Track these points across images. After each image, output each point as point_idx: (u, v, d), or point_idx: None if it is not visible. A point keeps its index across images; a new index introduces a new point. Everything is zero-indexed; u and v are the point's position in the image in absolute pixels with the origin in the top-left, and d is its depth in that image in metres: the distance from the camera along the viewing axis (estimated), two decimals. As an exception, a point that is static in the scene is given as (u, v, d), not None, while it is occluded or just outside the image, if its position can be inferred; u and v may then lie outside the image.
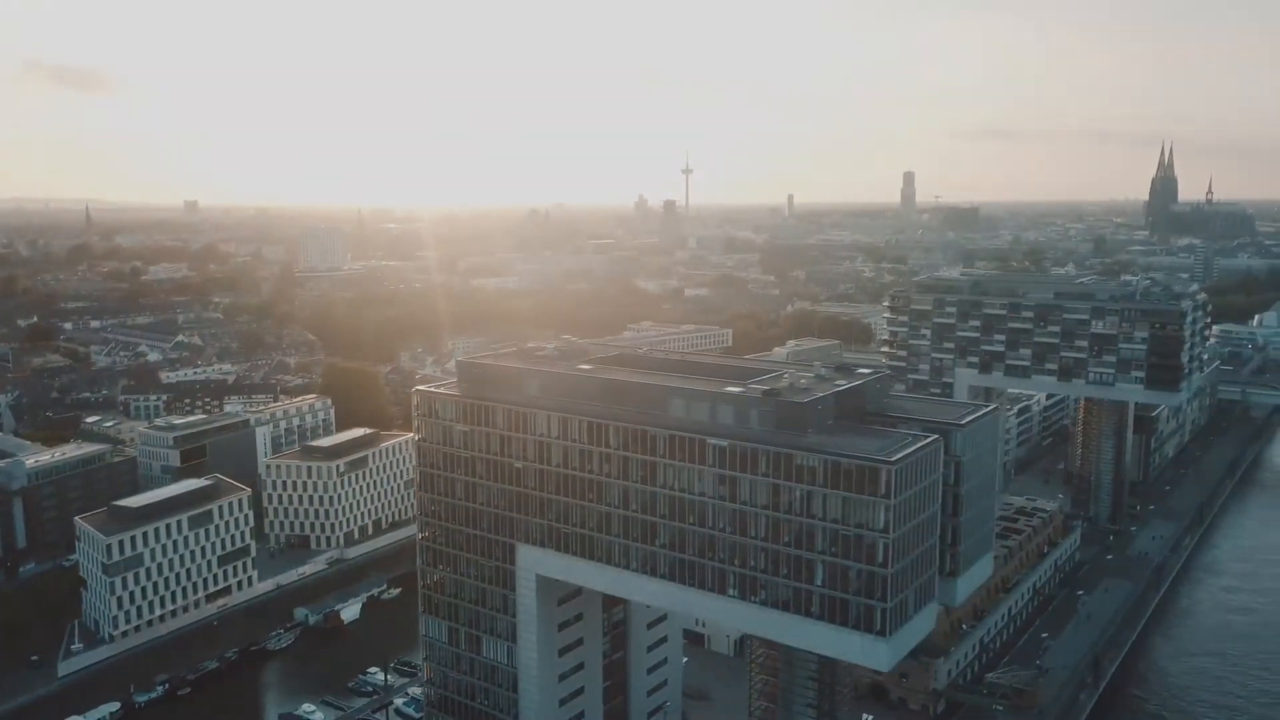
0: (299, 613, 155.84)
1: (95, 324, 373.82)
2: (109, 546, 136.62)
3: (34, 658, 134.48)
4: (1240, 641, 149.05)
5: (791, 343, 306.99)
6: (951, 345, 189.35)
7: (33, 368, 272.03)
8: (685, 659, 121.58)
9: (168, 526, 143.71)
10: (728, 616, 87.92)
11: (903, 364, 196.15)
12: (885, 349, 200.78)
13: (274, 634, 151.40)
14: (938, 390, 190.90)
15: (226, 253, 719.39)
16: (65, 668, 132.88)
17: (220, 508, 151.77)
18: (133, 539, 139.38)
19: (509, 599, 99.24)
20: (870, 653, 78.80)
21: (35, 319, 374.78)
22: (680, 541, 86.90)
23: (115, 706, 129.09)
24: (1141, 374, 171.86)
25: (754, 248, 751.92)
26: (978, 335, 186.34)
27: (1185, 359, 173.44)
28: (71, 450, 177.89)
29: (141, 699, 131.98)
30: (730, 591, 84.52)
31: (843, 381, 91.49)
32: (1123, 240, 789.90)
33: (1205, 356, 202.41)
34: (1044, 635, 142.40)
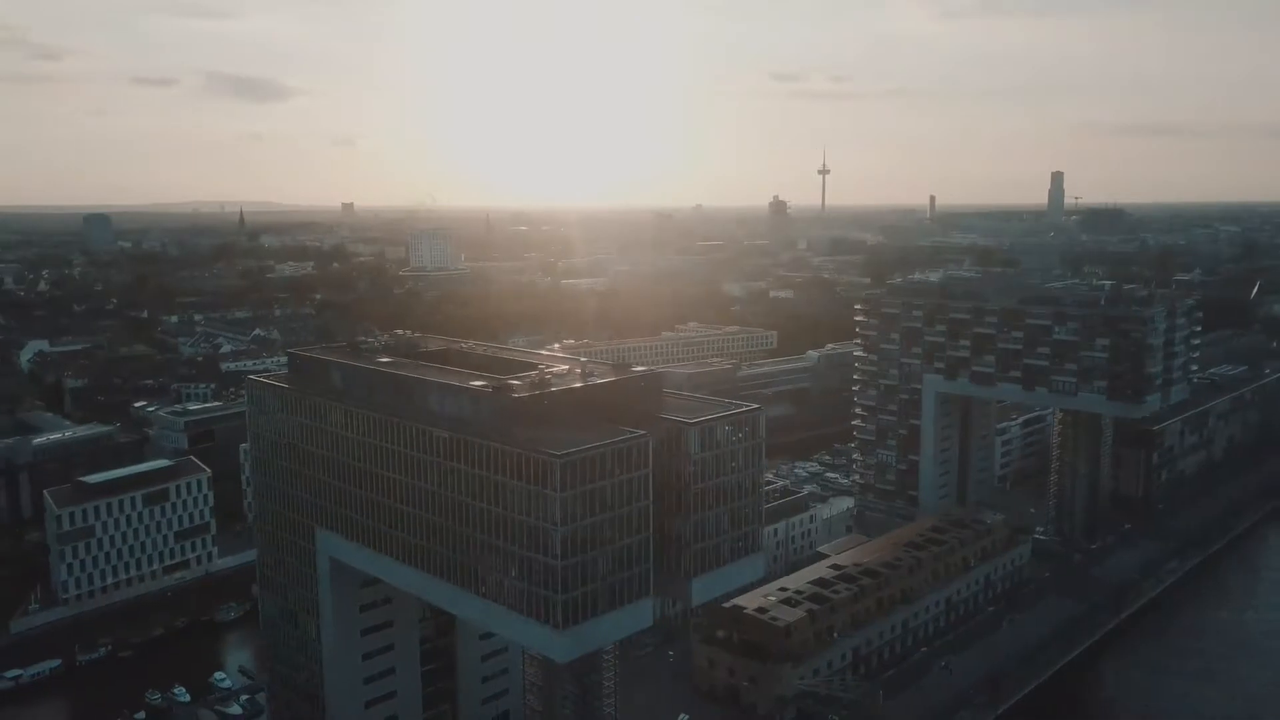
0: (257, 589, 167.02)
1: (199, 317, 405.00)
2: (60, 517, 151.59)
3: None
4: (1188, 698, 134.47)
5: (830, 345, 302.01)
6: (920, 350, 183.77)
7: (107, 356, 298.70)
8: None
9: (121, 502, 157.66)
10: (456, 606, 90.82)
11: (874, 369, 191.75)
12: (858, 354, 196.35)
13: (226, 607, 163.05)
14: (906, 396, 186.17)
15: (353, 252, 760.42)
16: (18, 625, 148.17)
17: (178, 487, 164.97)
18: (84, 511, 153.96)
19: (313, 578, 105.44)
20: (549, 644, 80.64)
21: (145, 312, 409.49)
22: (422, 530, 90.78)
23: (57, 663, 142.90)
24: (1104, 383, 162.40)
25: (862, 250, 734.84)
26: (944, 340, 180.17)
27: (1156, 369, 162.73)
28: (83, 430, 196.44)
29: (84, 659, 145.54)
30: (455, 581, 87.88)
31: (598, 379, 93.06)
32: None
33: (1195, 367, 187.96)
34: (945, 654, 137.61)
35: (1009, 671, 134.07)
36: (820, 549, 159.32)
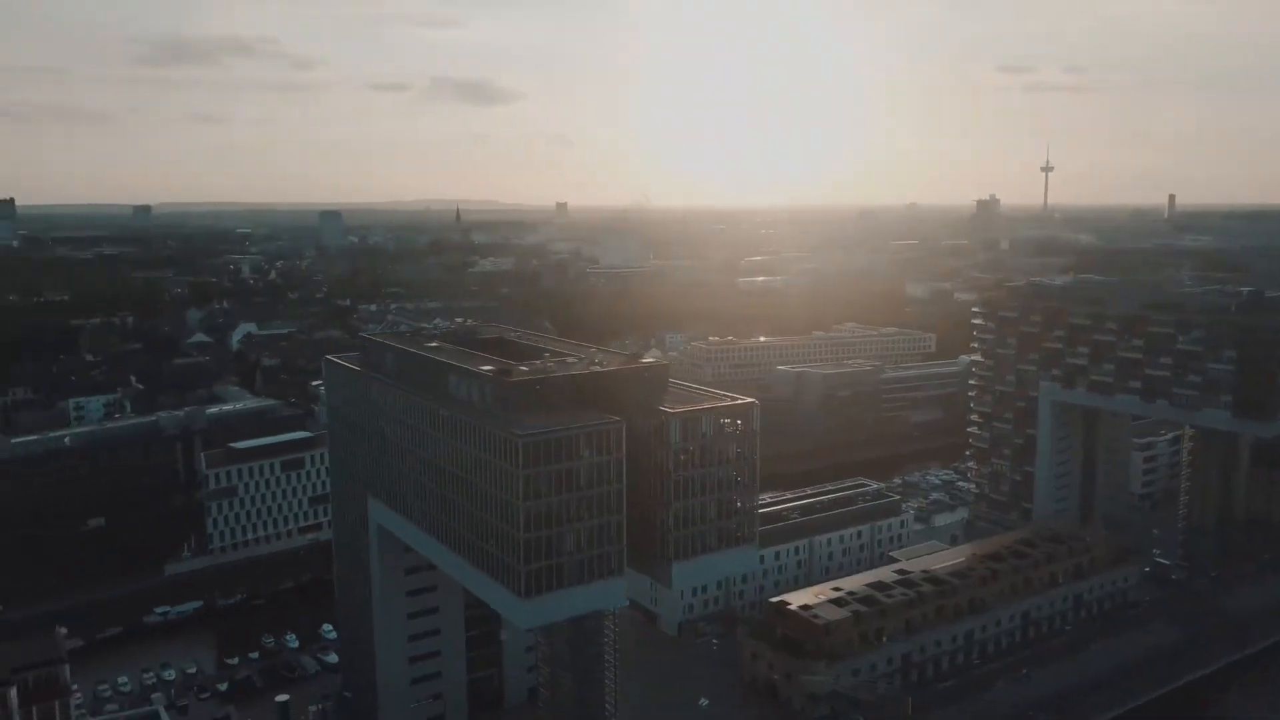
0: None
1: (393, 306, 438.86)
2: (209, 477, 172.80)
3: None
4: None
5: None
6: (1037, 357, 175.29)
7: (302, 339, 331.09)
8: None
9: (262, 466, 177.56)
10: (456, 571, 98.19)
11: (989, 375, 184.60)
12: (975, 358, 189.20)
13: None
14: (1022, 404, 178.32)
15: (552, 250, 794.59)
16: (171, 569, 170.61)
17: (313, 456, 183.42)
18: (230, 473, 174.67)
19: (365, 543, 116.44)
20: (515, 611, 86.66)
21: (348, 301, 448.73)
22: (434, 500, 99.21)
23: (199, 604, 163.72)
24: (1230, 399, 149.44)
25: (1070, 252, 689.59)
26: (1061, 347, 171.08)
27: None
28: (253, 403, 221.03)
29: (222, 603, 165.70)
30: (454, 548, 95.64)
31: (599, 368, 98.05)
32: None
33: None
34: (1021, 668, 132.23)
35: (1083, 695, 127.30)
36: (892, 554, 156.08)
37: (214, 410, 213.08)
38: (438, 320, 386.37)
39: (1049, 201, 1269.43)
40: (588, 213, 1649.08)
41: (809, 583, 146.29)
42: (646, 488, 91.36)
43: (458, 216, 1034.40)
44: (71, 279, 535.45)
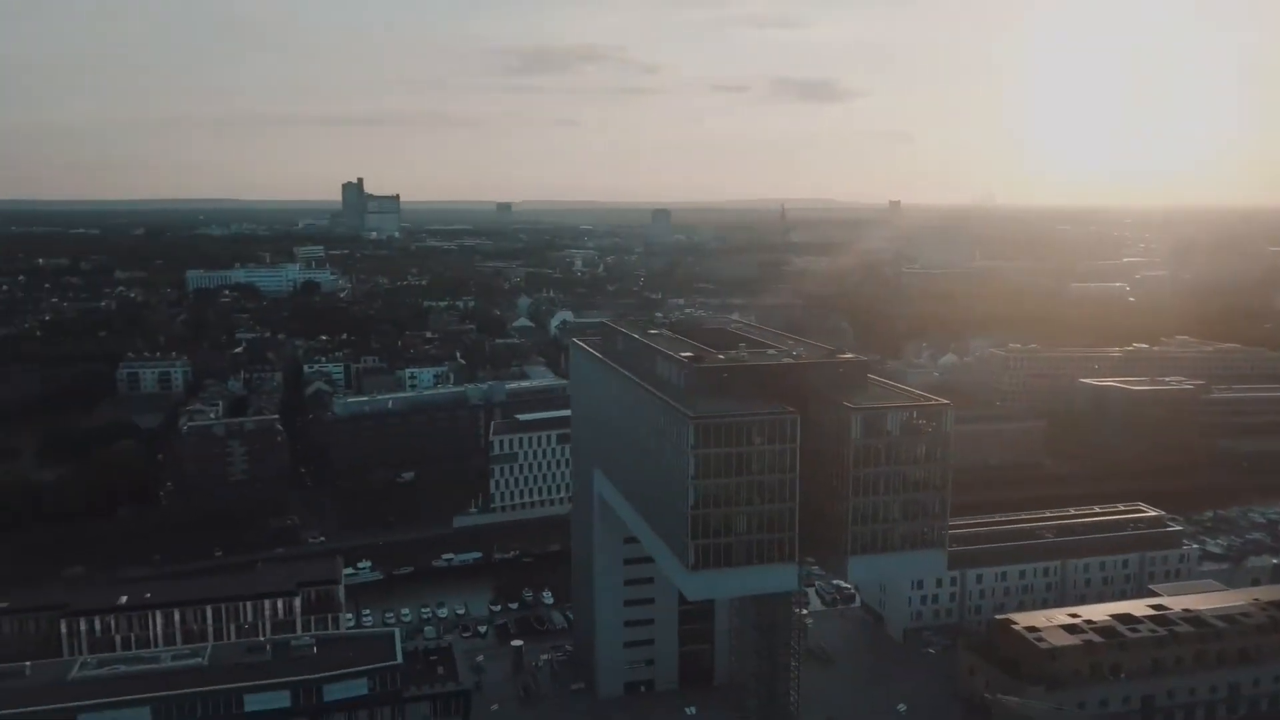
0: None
1: (678, 301, 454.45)
2: (494, 443, 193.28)
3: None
4: None
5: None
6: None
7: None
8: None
9: (539, 437, 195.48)
10: (646, 540, 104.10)
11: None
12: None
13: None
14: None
15: (872, 249, 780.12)
16: (459, 521, 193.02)
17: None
18: (512, 440, 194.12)
19: (590, 513, 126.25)
20: (684, 581, 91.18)
21: (659, 294, 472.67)
22: (636, 473, 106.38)
23: (478, 555, 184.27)
24: None
25: None
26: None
27: None
28: (549, 381, 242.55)
29: (498, 556, 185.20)
30: (646, 517, 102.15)
31: (791, 360, 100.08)
32: None
33: None
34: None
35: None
36: (1153, 587, 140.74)
37: (514, 385, 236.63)
38: (688, 310, 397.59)
39: None
40: (922, 211, 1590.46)
41: (1059, 605, 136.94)
42: (827, 480, 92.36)
43: (782, 214, 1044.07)
44: (432, 266, 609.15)
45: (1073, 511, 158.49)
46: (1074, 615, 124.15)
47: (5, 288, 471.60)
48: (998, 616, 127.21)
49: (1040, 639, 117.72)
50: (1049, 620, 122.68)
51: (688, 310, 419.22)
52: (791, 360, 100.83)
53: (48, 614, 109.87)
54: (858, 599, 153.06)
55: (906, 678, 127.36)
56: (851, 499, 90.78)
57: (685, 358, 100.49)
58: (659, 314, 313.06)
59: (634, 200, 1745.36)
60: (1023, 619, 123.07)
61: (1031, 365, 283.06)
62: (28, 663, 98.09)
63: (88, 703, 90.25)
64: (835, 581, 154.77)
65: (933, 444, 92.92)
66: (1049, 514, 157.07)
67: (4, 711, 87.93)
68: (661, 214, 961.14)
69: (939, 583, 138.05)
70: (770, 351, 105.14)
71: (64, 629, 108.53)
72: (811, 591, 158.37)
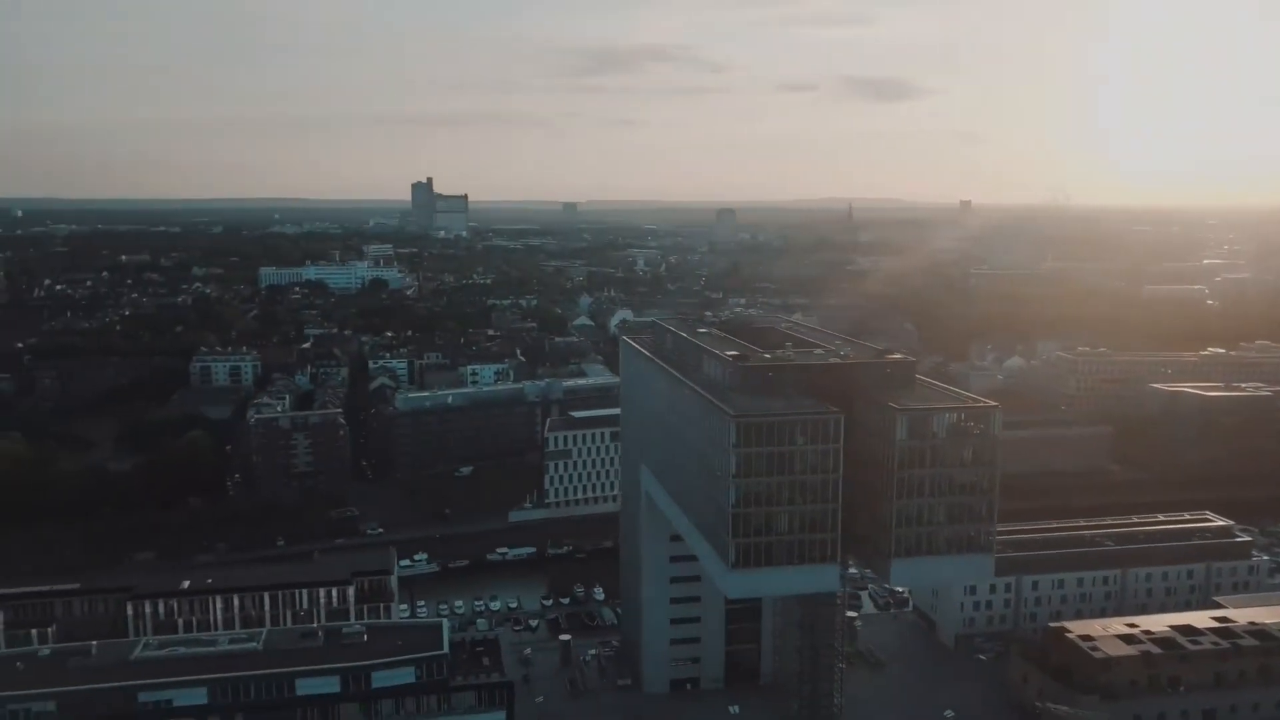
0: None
1: (739, 301, 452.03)
2: (547, 440, 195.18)
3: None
4: None
5: None
6: None
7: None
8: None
9: (592, 434, 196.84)
10: (688, 536, 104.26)
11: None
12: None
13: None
14: None
15: (938, 249, 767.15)
16: (515, 516, 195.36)
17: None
18: (566, 437, 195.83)
19: (638, 508, 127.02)
20: (724, 579, 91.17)
21: (720, 294, 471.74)
22: (679, 470, 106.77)
23: (532, 550, 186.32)
24: None
25: None
26: None
27: None
28: (605, 379, 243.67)
29: (551, 551, 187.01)
30: (688, 514, 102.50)
31: (837, 360, 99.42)
32: None
33: None
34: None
35: None
36: (1218, 599, 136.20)
37: (570, 383, 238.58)
38: (739, 309, 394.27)
39: None
40: (994, 211, 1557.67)
41: (1118, 615, 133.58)
42: (870, 482, 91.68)
43: (849, 214, 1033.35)
44: (497, 265, 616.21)
45: (1135, 519, 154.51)
46: (1132, 625, 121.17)
47: (90, 283, 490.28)
48: (1051, 624, 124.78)
49: (1095, 648, 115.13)
50: (1105, 629, 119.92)
51: (749, 310, 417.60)
52: (838, 360, 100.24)
53: (115, 596, 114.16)
54: (911, 603, 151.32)
55: (956, 684, 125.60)
56: (895, 501, 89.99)
57: (730, 356, 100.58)
58: (709, 313, 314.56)
59: (699, 200, 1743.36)
60: (1077, 627, 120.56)
61: (1100, 369, 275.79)
62: (94, 642, 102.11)
63: (148, 682, 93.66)
64: (888, 585, 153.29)
65: (980, 446, 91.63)
66: (1110, 521, 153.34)
67: (70, 688, 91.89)
68: (726, 213, 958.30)
69: (992, 588, 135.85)
70: (817, 351, 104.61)
71: (130, 611, 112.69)
72: (865, 595, 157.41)
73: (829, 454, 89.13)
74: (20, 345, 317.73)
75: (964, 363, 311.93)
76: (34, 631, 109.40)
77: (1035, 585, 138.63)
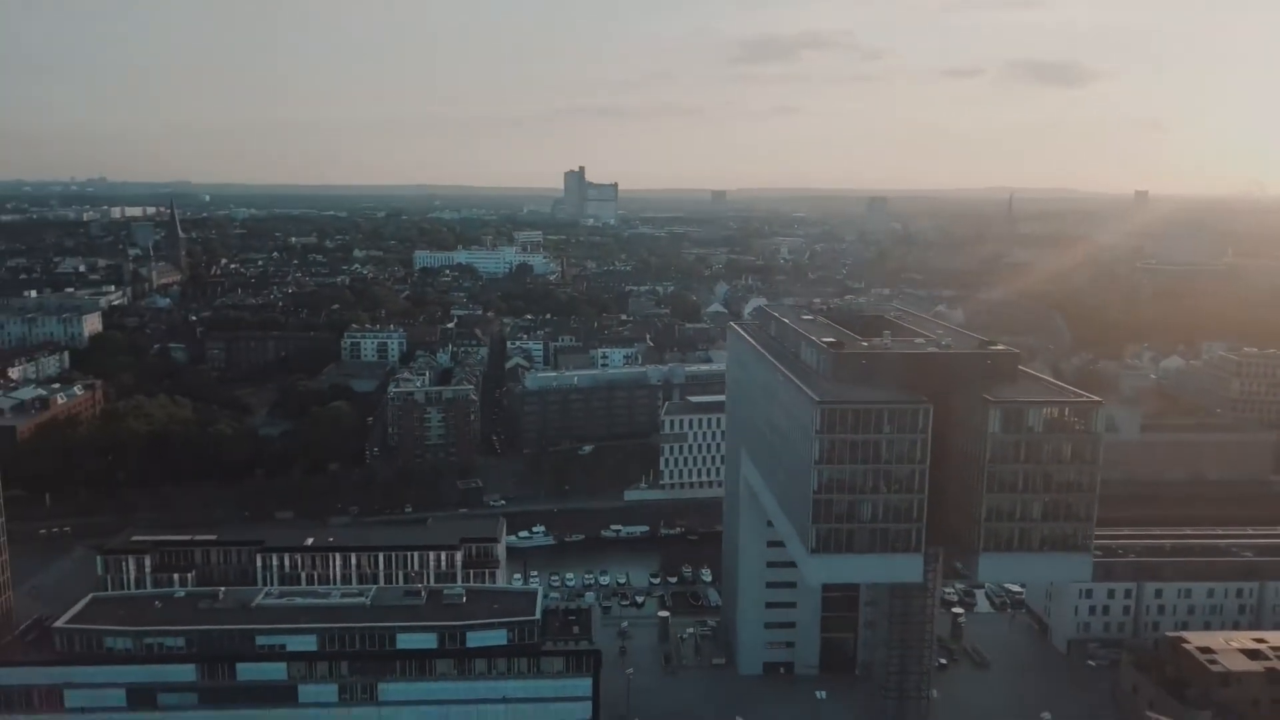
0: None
1: (882, 291, 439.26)
2: (663, 423, 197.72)
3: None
4: None
5: None
6: None
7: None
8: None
9: (706, 419, 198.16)
10: (776, 521, 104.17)
11: None
12: None
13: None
14: None
15: (1107, 244, 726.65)
16: (630, 495, 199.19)
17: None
18: (681, 421, 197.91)
19: (738, 494, 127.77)
20: (805, 563, 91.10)
21: (862, 284, 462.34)
22: (772, 456, 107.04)
23: (645, 529, 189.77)
24: None
25: None
26: None
27: None
28: (720, 366, 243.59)
29: (664, 532, 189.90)
30: (778, 499, 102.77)
31: (935, 350, 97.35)
32: None
33: None
34: None
35: None
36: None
37: (693, 368, 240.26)
38: (848, 298, 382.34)
39: None
40: (1174, 203, 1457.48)
41: (1251, 630, 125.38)
42: (963, 474, 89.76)
43: (1009, 205, 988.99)
44: (639, 252, 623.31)
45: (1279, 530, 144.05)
46: (1260, 640, 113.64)
47: (260, 263, 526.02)
48: (1169, 634, 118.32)
49: (1214, 661, 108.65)
50: (1228, 642, 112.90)
51: (891, 301, 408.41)
52: (936, 349, 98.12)
53: (247, 548, 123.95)
54: (1026, 605, 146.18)
55: (1061, 689, 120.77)
56: (985, 494, 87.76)
57: (826, 343, 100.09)
58: (817, 300, 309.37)
59: (852, 188, 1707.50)
60: (1196, 638, 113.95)
61: (1269, 372, 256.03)
62: (222, 588, 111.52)
63: (265, 626, 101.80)
64: (1005, 585, 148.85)
65: (1080, 443, 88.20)
66: (1251, 530, 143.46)
67: (195, 627, 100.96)
68: (878, 202, 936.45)
69: (1111, 594, 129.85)
70: (917, 340, 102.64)
71: (259, 562, 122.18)
72: (980, 594, 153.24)
73: (916, 443, 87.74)
74: (194, 319, 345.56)
75: (1116, 362, 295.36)
76: (175, 575, 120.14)
77: (1159, 593, 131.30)
